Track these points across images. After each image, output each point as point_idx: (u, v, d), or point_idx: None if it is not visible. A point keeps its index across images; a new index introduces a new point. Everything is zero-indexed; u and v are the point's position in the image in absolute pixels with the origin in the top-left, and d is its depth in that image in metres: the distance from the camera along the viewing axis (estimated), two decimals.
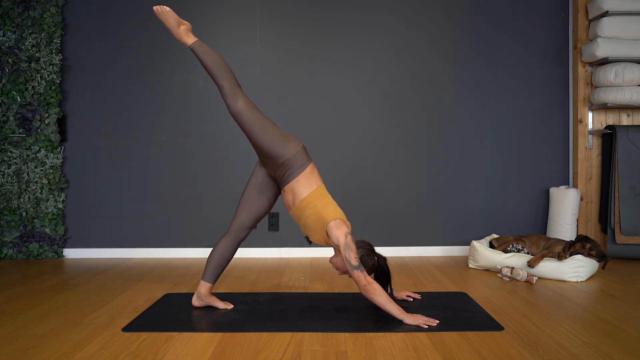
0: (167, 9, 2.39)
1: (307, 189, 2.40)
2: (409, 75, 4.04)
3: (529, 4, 4.06)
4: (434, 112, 4.05)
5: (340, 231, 2.32)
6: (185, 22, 2.46)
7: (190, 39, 2.44)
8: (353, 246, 2.30)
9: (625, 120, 3.98)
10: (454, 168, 4.05)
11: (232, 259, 3.91)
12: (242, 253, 3.99)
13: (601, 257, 3.17)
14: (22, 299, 2.73)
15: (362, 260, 2.37)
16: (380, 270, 2.44)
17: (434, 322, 2.25)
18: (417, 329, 2.19)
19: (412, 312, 2.32)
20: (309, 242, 2.53)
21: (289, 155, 2.39)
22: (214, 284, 2.55)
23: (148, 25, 3.98)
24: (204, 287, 2.53)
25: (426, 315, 2.33)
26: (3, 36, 3.85)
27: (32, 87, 3.87)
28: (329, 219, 2.34)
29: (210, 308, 2.53)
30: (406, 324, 2.24)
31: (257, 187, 2.53)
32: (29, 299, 2.73)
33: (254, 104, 2.44)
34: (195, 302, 2.55)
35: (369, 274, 2.37)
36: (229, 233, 2.54)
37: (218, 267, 2.54)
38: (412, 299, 2.66)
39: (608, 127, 3.89)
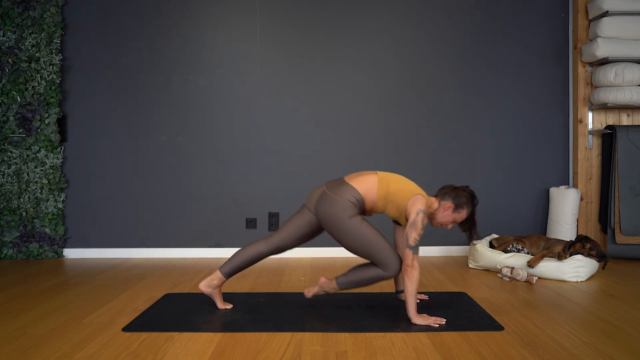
0: (200, 288, 2.53)
1: (371, 193, 2.40)
2: (409, 75, 4.04)
3: (529, 4, 4.06)
4: (434, 112, 4.05)
5: (415, 207, 2.32)
6: (213, 281, 2.53)
7: (215, 275, 2.52)
8: (420, 226, 2.29)
9: (625, 120, 3.98)
10: (454, 168, 4.05)
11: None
12: None
13: (601, 257, 3.17)
14: (22, 299, 2.73)
15: (459, 200, 2.41)
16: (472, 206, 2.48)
17: (442, 321, 2.26)
18: (417, 329, 2.19)
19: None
20: (398, 224, 2.58)
21: (348, 205, 2.37)
22: (227, 279, 2.53)
23: (148, 25, 3.98)
24: (218, 279, 2.50)
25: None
26: (3, 36, 3.85)
27: (32, 87, 3.87)
28: (407, 201, 2.37)
29: (210, 308, 2.53)
30: (415, 324, 2.24)
31: (303, 223, 2.50)
32: (29, 299, 2.73)
33: (283, 224, 2.53)
34: (203, 287, 2.50)
35: (461, 209, 2.42)
36: (269, 243, 2.50)
37: (240, 266, 2.50)
38: (418, 301, 2.65)
39: (608, 127, 3.89)
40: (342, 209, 2.35)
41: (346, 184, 2.41)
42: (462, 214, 2.44)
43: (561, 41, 4.08)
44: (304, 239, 2.53)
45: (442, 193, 2.47)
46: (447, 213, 2.43)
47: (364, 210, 2.44)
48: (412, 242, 2.26)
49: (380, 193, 2.40)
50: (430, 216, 2.48)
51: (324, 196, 2.40)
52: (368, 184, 2.40)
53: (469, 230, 2.50)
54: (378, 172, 2.47)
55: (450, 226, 2.49)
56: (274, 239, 2.50)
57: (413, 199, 2.35)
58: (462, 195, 2.43)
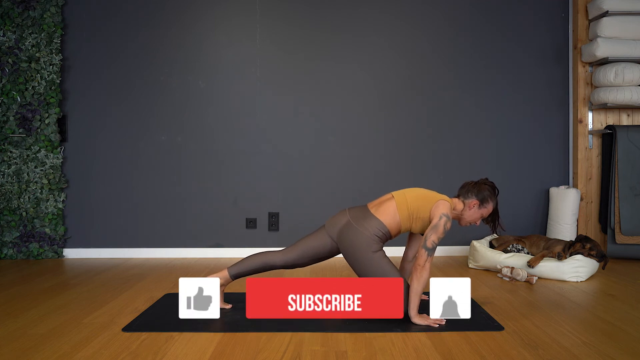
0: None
1: (395, 220, 2.39)
2: (409, 75, 4.04)
3: (529, 4, 4.06)
4: (434, 111, 4.05)
5: (438, 211, 2.31)
6: (220, 280, 2.46)
7: (222, 274, 2.49)
8: (441, 230, 2.27)
9: (625, 120, 3.98)
10: (454, 168, 4.05)
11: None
12: (243, 253, 3.99)
13: (601, 257, 3.17)
14: (22, 299, 2.73)
15: (483, 195, 2.42)
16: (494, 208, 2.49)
17: (442, 321, 2.24)
18: (417, 329, 2.19)
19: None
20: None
21: (374, 239, 2.36)
22: (232, 280, 2.50)
23: (148, 25, 3.98)
24: (224, 278, 2.46)
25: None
26: (3, 36, 3.85)
27: (32, 87, 3.87)
28: (430, 211, 2.35)
29: None
30: (415, 324, 2.24)
31: (322, 247, 2.48)
32: (29, 299, 2.73)
33: (298, 240, 2.51)
34: None
35: (487, 204, 2.43)
36: (285, 258, 2.48)
37: (249, 271, 2.48)
38: None
39: (608, 127, 3.90)
40: (367, 243, 2.34)
41: (372, 216, 2.37)
42: (489, 208, 2.45)
43: (561, 41, 4.09)
44: (319, 260, 2.53)
45: (464, 192, 2.46)
46: (474, 211, 2.44)
47: (389, 238, 2.43)
48: (429, 244, 2.25)
49: (402, 216, 2.38)
50: (457, 218, 2.47)
51: (350, 227, 2.38)
52: (390, 213, 2.38)
53: (492, 222, 2.51)
54: (393, 193, 2.44)
55: (479, 222, 2.49)
56: (290, 256, 2.47)
57: (436, 205, 2.34)
58: (485, 189, 2.44)
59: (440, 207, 2.33)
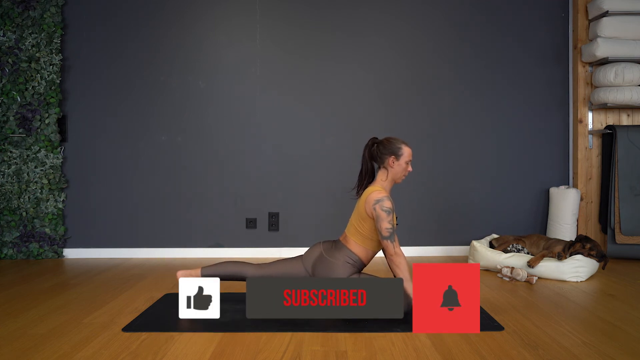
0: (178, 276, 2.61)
1: (359, 248, 2.48)
2: (410, 75, 4.04)
3: (529, 4, 4.06)
4: (435, 112, 4.05)
5: (369, 205, 2.40)
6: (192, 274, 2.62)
7: (195, 272, 2.61)
8: (384, 215, 2.35)
9: (625, 120, 3.98)
10: (454, 168, 4.05)
11: (233, 261, 3.92)
12: (243, 253, 3.99)
13: (601, 257, 3.17)
14: (22, 299, 2.73)
15: (392, 148, 2.44)
16: None
17: None
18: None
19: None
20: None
21: (345, 266, 2.47)
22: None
23: (148, 25, 3.99)
24: (197, 277, 2.54)
25: None
26: (3, 36, 3.85)
27: (32, 87, 3.87)
28: (367, 213, 2.40)
29: None
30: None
31: (295, 272, 2.59)
32: (29, 299, 2.73)
33: (275, 261, 2.61)
34: (180, 277, 2.53)
35: (400, 151, 2.45)
36: (260, 271, 2.57)
37: (222, 277, 2.58)
38: None
39: (608, 127, 3.90)
40: (339, 272, 2.45)
41: (342, 246, 2.50)
42: (405, 151, 2.47)
43: (561, 41, 4.09)
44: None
45: (378, 160, 2.49)
46: (396, 164, 2.47)
47: (362, 265, 2.52)
48: (385, 232, 2.35)
49: (362, 241, 2.47)
50: (393, 181, 2.50)
51: (322, 259, 2.50)
52: (353, 244, 2.49)
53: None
54: (346, 230, 2.55)
55: (409, 168, 2.50)
56: (263, 273, 2.57)
57: (366, 202, 2.41)
58: (390, 142, 2.47)
59: (368, 202, 2.40)
